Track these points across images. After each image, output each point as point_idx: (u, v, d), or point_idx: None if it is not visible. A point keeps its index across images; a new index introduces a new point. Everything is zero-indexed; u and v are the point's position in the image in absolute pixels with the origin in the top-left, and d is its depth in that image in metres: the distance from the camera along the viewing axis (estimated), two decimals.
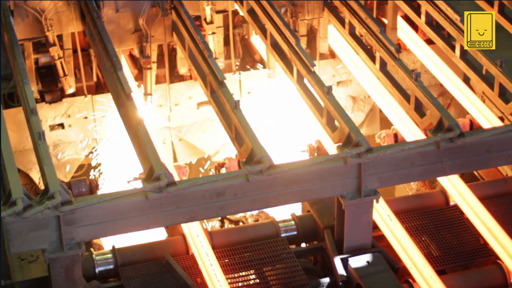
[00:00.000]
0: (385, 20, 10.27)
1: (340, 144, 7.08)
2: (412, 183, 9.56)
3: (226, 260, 7.53)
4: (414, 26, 10.03)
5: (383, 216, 7.76)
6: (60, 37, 9.52)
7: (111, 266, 7.52)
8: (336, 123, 7.64)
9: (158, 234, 8.69)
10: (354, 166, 6.94)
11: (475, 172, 9.11)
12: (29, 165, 10.29)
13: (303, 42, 10.13)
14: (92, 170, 10.46)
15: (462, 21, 8.54)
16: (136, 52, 9.68)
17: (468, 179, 8.76)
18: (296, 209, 8.36)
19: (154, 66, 9.69)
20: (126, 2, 9.15)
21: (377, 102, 9.01)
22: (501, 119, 8.48)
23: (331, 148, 8.32)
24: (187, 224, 7.61)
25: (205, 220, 9.71)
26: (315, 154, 8.82)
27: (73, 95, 10.12)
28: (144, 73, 9.68)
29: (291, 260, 7.51)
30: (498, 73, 8.24)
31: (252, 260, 7.54)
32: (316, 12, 9.68)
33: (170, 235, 8.74)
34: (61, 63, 9.50)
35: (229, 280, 7.34)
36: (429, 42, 9.78)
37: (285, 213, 8.19)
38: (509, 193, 8.29)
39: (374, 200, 7.10)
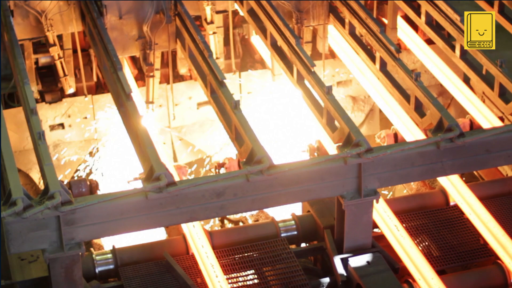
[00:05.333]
0: (385, 20, 10.27)
1: (340, 144, 7.08)
2: (412, 183, 9.56)
3: (226, 260, 7.53)
4: (414, 26, 10.03)
5: (383, 216, 7.76)
6: (60, 37, 9.52)
7: (111, 266, 7.52)
8: (336, 123, 7.64)
9: (158, 234, 8.69)
10: (354, 166, 6.94)
11: (475, 172, 9.11)
12: (29, 165, 10.29)
13: (308, 49, 10.11)
14: (92, 170, 10.46)
15: (462, 21, 8.54)
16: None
17: (468, 179, 8.77)
18: (296, 209, 8.36)
19: (157, 73, 9.65)
20: (130, 8, 9.10)
21: (377, 102, 9.01)
22: (501, 119, 8.48)
23: (331, 148, 8.32)
24: (187, 224, 7.61)
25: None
26: (315, 154, 8.82)
27: (73, 95, 10.13)
28: (147, 81, 9.65)
29: (291, 260, 7.51)
30: (498, 73, 8.24)
31: (252, 260, 7.54)
32: (322, 18, 9.66)
33: (170, 235, 8.74)
34: (61, 63, 9.50)
35: (229, 280, 7.34)
36: (429, 42, 9.78)
37: (285, 213, 8.19)
38: (509, 193, 8.29)
39: (374, 200, 7.10)
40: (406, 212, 8.02)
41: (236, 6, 9.79)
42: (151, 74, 9.54)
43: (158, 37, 9.27)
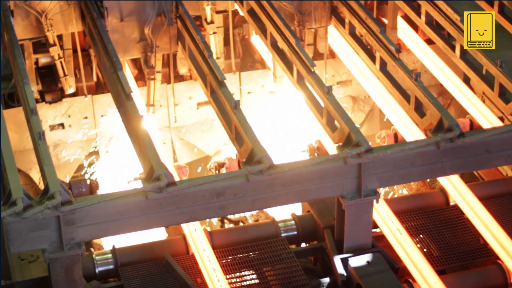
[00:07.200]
0: (385, 20, 10.27)
1: (340, 144, 7.08)
2: (412, 183, 9.56)
3: (226, 260, 7.53)
4: (414, 26, 10.03)
5: (383, 216, 7.76)
6: (60, 37, 9.52)
7: (111, 266, 7.53)
8: (336, 123, 7.64)
9: (158, 234, 8.69)
10: (354, 166, 6.94)
11: (475, 172, 9.11)
12: (29, 165, 10.29)
13: (310, 51, 10.10)
14: (92, 170, 10.46)
15: (462, 21, 8.54)
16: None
17: (468, 179, 8.77)
18: (296, 209, 8.36)
19: (158, 76, 9.63)
20: (131, 11, 9.07)
21: (377, 102, 9.01)
22: (501, 119, 8.48)
23: (331, 148, 8.33)
24: (187, 224, 7.61)
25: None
26: (315, 154, 8.82)
27: (73, 95, 10.12)
28: (148, 83, 9.63)
29: (291, 260, 7.51)
30: (498, 73, 8.24)
31: (252, 260, 7.54)
32: (323, 20, 9.64)
33: (170, 235, 8.74)
34: (61, 63, 9.50)
35: (229, 280, 7.34)
36: (429, 42, 9.78)
37: (285, 213, 8.19)
38: (509, 193, 8.30)
39: (374, 200, 7.10)
40: (406, 212, 8.02)
41: (236, 6, 9.79)
42: (152, 76, 9.53)
43: (160, 39, 9.25)
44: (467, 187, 8.04)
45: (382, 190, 10.19)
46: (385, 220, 7.73)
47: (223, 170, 8.03)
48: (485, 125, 8.37)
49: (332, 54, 10.51)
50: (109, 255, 7.54)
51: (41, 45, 9.97)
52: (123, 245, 7.66)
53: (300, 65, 8.24)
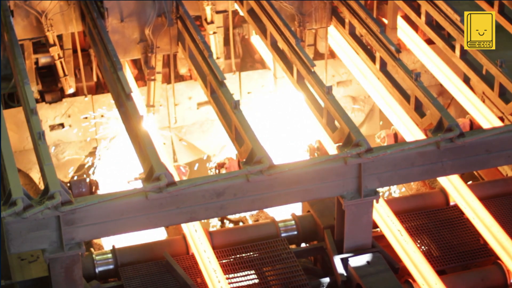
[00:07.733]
0: (385, 20, 10.27)
1: (340, 144, 7.08)
2: (412, 183, 9.56)
3: (226, 260, 7.53)
4: (414, 26, 10.03)
5: (383, 216, 7.76)
6: (60, 37, 9.52)
7: (111, 266, 7.53)
8: (336, 123, 7.64)
9: (158, 234, 8.69)
10: (354, 166, 6.94)
11: (475, 172, 9.11)
12: (29, 165, 10.29)
13: (310, 52, 10.10)
14: (92, 170, 10.46)
15: (462, 21, 8.54)
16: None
17: (468, 179, 8.77)
18: (296, 209, 8.36)
19: (158, 77, 9.64)
20: (131, 11, 9.06)
21: (377, 102, 9.02)
22: (501, 119, 8.48)
23: (331, 148, 8.33)
24: (187, 224, 7.61)
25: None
26: (315, 154, 8.82)
27: (73, 95, 10.13)
28: (148, 84, 9.63)
29: (291, 260, 7.51)
30: (498, 73, 8.25)
31: (252, 260, 7.54)
32: (324, 21, 9.64)
33: (170, 235, 8.75)
34: (61, 63, 9.50)
35: (229, 280, 7.34)
36: (429, 42, 9.78)
37: (285, 213, 8.19)
38: (509, 193, 8.30)
39: (374, 200, 7.10)
40: (406, 212, 8.02)
41: (236, 6, 9.78)
42: (152, 77, 9.52)
43: (160, 40, 9.25)
44: (467, 187, 8.04)
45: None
46: (385, 220, 7.73)
47: (223, 170, 8.03)
48: (485, 125, 8.38)
49: (332, 54, 10.51)
50: (109, 255, 7.54)
51: (41, 45, 9.97)
52: (123, 245, 7.66)
53: (300, 65, 8.23)
